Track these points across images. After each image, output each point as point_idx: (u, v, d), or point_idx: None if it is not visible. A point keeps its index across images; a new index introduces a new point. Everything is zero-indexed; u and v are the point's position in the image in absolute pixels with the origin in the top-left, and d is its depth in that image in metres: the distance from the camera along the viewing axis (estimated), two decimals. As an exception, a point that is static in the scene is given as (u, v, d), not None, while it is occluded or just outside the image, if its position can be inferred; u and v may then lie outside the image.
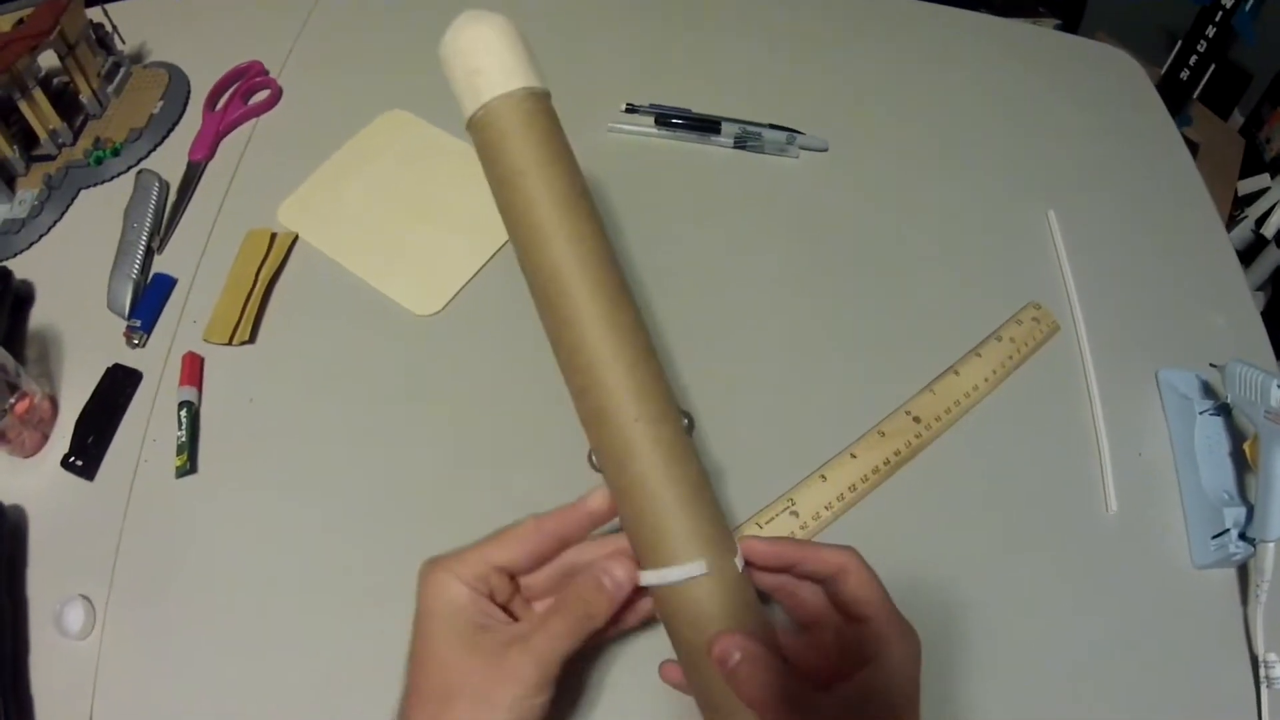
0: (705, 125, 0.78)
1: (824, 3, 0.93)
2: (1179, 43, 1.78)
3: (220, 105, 0.80)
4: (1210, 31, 1.72)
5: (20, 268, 0.68)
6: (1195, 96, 1.83)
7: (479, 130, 0.41)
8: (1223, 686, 0.55)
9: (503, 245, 0.70)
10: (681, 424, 0.41)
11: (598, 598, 0.40)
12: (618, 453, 0.40)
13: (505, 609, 0.42)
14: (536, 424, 0.62)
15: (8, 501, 0.57)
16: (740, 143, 0.78)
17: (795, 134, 0.78)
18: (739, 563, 0.40)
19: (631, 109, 0.79)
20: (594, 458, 0.42)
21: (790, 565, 0.42)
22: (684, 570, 0.39)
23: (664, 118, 0.78)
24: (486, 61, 0.41)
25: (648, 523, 0.39)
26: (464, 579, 0.40)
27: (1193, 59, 1.77)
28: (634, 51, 0.86)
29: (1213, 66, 1.76)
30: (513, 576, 0.43)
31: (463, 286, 0.68)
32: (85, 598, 0.54)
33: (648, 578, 0.40)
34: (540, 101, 0.42)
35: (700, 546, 0.39)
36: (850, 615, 0.41)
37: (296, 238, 0.71)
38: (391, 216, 0.72)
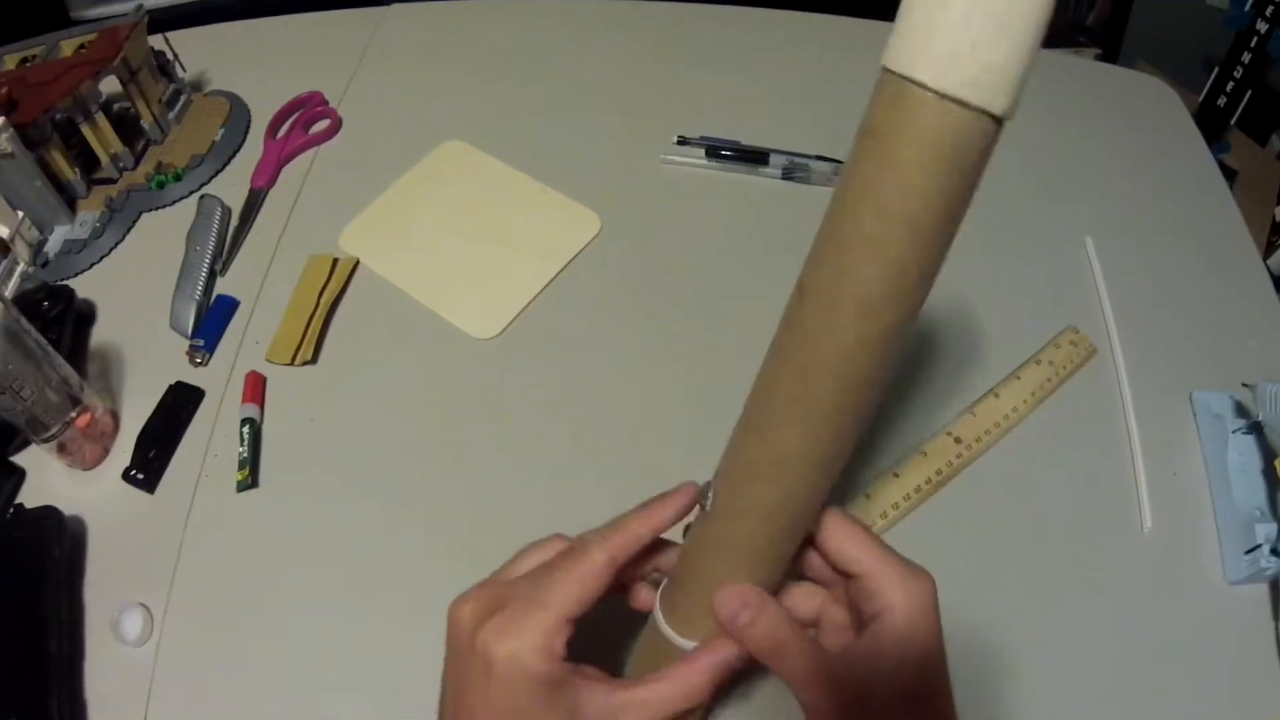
0: (754, 156, 0.80)
1: (869, 35, 0.94)
2: (1215, 69, 1.78)
3: (281, 134, 0.81)
4: (1246, 57, 1.72)
5: (82, 287, 0.70)
6: (1233, 123, 1.82)
7: (883, 89, 0.30)
8: (1254, 699, 0.55)
9: (560, 270, 0.72)
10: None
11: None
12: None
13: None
14: (593, 447, 0.63)
15: (68, 512, 0.58)
16: (788, 173, 0.79)
17: (841, 165, 0.79)
18: None
19: (683, 141, 0.81)
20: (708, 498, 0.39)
21: None
22: None
23: (714, 149, 0.80)
24: (971, 32, 0.26)
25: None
26: (540, 651, 0.36)
27: (1230, 85, 1.77)
28: (686, 85, 0.88)
29: (1250, 92, 1.76)
30: None
31: (521, 311, 0.70)
32: (144, 605, 0.55)
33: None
34: (979, 127, 0.28)
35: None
36: (847, 575, 0.38)
37: (358, 263, 0.72)
38: (451, 243, 0.74)
